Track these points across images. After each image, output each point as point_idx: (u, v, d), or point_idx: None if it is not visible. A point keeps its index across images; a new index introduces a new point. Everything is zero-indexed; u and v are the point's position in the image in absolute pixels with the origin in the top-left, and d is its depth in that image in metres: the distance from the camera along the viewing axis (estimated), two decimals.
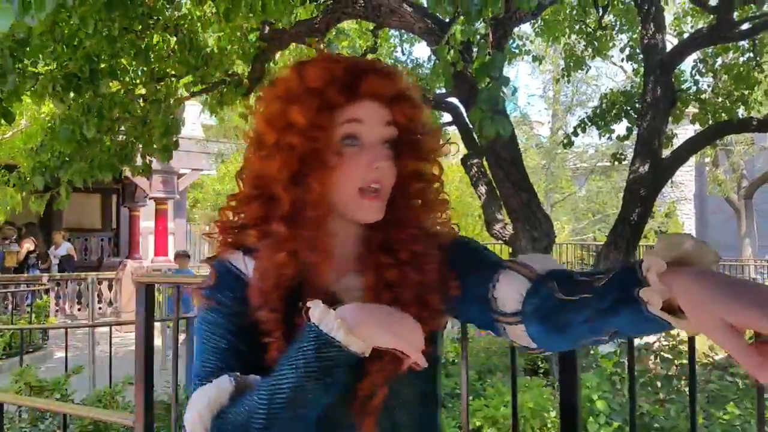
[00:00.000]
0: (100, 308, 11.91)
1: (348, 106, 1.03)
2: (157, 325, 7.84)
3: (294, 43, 6.37)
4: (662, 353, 3.09)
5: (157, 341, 7.12)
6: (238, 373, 0.98)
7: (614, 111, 8.37)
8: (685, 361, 3.00)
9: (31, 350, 9.17)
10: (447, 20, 5.55)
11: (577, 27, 8.75)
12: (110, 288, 12.45)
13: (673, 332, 3.27)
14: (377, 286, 1.06)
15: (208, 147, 14.96)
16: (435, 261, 1.09)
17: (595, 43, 8.63)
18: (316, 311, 0.92)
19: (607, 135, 8.68)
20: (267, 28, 5.46)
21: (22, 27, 2.82)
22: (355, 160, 1.04)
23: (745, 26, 7.09)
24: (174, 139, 5.10)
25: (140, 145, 5.30)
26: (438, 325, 1.11)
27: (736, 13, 6.93)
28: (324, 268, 1.04)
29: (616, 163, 8.47)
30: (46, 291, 11.29)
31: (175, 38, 5.14)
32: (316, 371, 0.90)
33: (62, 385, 4.72)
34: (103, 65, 4.30)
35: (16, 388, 4.63)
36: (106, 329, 6.72)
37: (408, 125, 1.09)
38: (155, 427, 3.23)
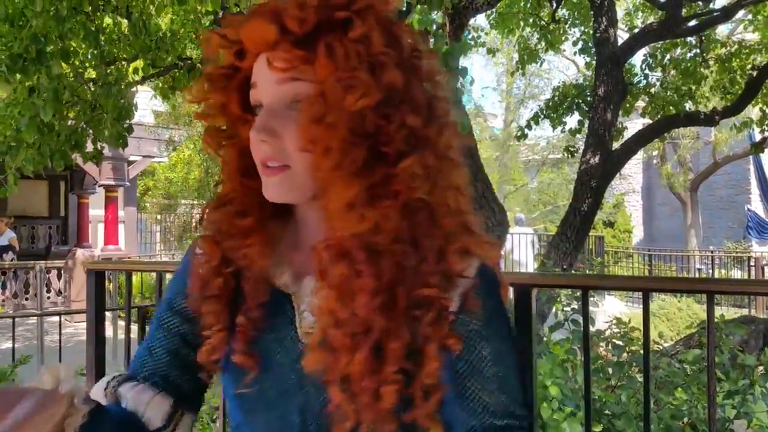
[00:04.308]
0: (49, 297, 11.59)
1: (247, 68, 0.84)
2: (107, 315, 7.68)
3: None
4: (614, 340, 3.17)
5: (108, 331, 6.98)
6: (118, 380, 0.91)
7: (566, 104, 8.52)
8: (635, 348, 3.09)
9: None
10: (404, 9, 5.54)
11: (530, 20, 8.86)
12: (59, 277, 12.11)
13: (625, 319, 3.36)
14: (324, 302, 0.80)
15: (160, 134, 14.64)
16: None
17: (549, 36, 8.75)
18: None
19: (560, 127, 8.82)
20: (222, 12, 5.36)
21: None
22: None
23: (692, 23, 7.29)
24: (127, 124, 4.97)
25: (91, 131, 5.15)
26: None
27: (684, 10, 7.11)
28: (252, 258, 0.88)
29: (569, 156, 8.61)
30: None
31: (126, 20, 5.01)
32: None
33: (9, 376, 4.58)
34: (51, 46, 4.15)
35: None
36: (55, 319, 6.55)
37: (315, 72, 0.77)
38: None
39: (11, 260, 12.29)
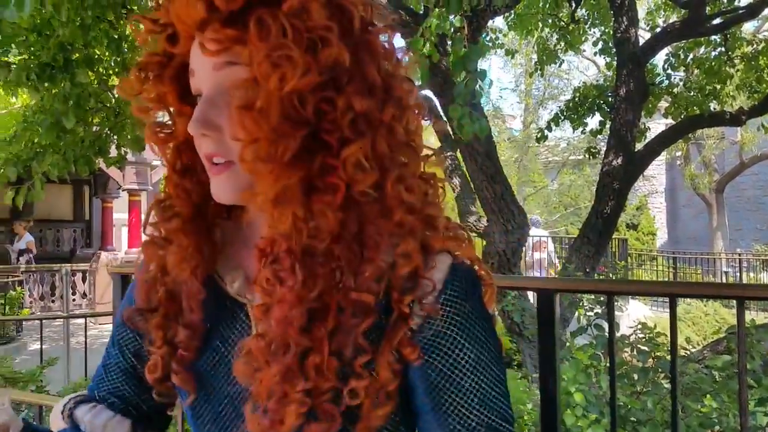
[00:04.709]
0: (74, 300, 11.76)
1: (182, 54, 0.75)
2: None
3: None
4: (639, 345, 3.13)
5: None
6: (75, 401, 0.87)
7: (587, 105, 8.45)
8: (661, 354, 3.05)
9: (4, 342, 9.06)
10: (421, 12, 5.55)
11: (549, 21, 8.81)
12: (84, 280, 12.28)
13: (650, 324, 3.32)
14: (260, 311, 0.73)
15: None
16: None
17: (568, 36, 8.68)
18: None
19: (581, 129, 8.76)
20: None
21: None
22: None
23: (716, 21, 7.18)
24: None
25: (114, 137, 5.24)
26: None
27: (707, 8, 7.01)
28: (180, 267, 0.80)
29: (591, 157, 8.54)
30: (20, 282, 11.10)
31: None
32: None
33: (37, 377, 4.64)
34: (77, 54, 4.23)
35: None
36: (81, 321, 6.64)
37: (252, 55, 0.67)
38: None
39: (26, 263, 12.48)
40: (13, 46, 4.03)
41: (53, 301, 11.85)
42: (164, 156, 0.82)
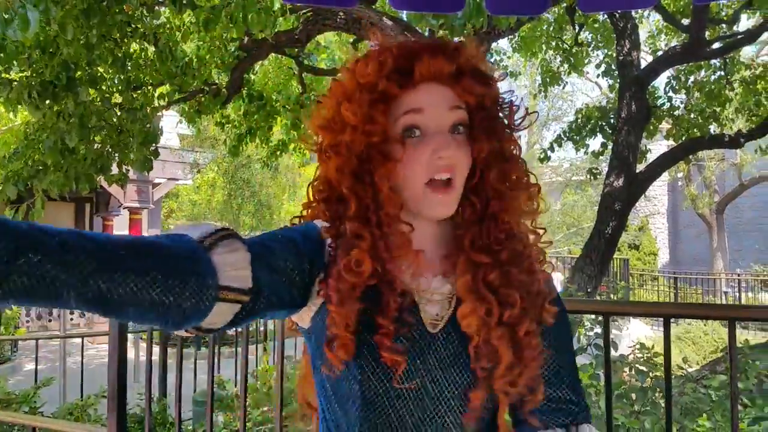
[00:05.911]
0: (72, 319, 11.71)
1: (405, 95, 0.96)
2: (129, 336, 7.73)
3: (273, 53, 6.37)
4: (637, 365, 3.11)
5: (130, 353, 7.03)
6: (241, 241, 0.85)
7: (589, 126, 8.48)
8: (659, 374, 3.03)
9: None
10: (426, 35, 5.59)
11: (553, 43, 8.86)
12: None
13: (649, 344, 3.30)
14: (478, 289, 0.95)
15: (184, 156, 14.81)
16: (538, 271, 1.01)
17: (571, 59, 8.74)
18: None
19: (583, 150, 8.78)
20: (247, 38, 5.45)
21: None
22: (417, 152, 0.95)
23: (716, 45, 7.24)
24: (153, 148, 5.05)
25: (116, 155, 5.23)
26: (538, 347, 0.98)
27: (708, 33, 7.06)
28: (402, 266, 0.97)
29: (592, 178, 8.55)
30: None
31: (153, 47, 5.11)
32: None
33: (31, 398, 4.61)
34: (80, 73, 4.24)
35: None
36: (78, 341, 6.60)
37: (478, 103, 0.98)
38: None
39: None
40: (15, 63, 4.04)
41: (50, 321, 11.79)
42: (343, 165, 0.97)
